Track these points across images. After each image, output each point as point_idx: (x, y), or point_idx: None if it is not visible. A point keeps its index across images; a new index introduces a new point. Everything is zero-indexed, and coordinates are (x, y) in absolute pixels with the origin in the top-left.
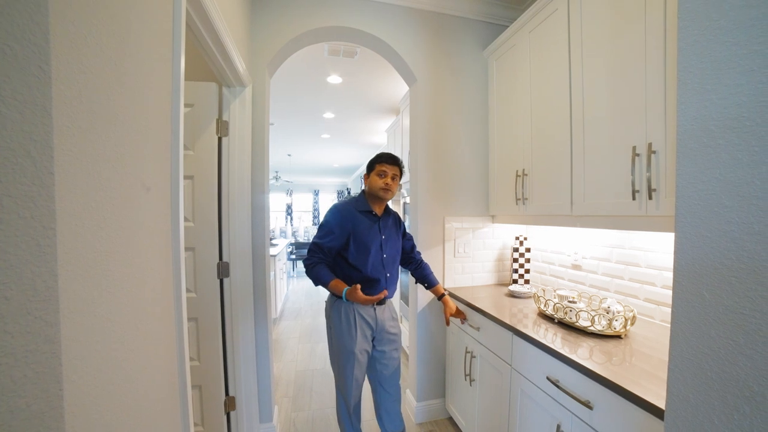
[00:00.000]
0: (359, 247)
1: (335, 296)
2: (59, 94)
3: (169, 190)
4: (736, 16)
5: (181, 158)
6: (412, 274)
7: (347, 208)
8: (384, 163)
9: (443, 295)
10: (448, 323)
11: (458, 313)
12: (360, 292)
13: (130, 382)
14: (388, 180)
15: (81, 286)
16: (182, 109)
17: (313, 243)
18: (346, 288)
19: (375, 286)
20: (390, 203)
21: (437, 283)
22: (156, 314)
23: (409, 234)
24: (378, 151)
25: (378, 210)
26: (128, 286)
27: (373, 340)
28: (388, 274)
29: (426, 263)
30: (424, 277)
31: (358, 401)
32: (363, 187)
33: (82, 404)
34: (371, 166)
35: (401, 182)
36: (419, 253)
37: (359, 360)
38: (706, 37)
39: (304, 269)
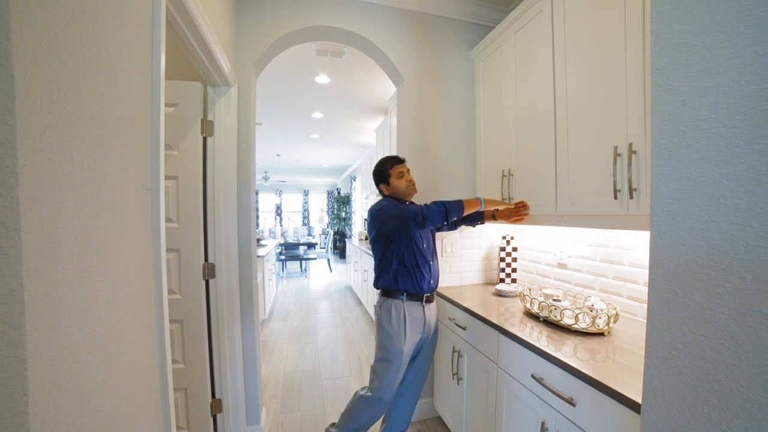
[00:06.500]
0: (404, 238)
1: (418, 289)
2: (25, 93)
3: (149, 190)
4: (703, 21)
5: (162, 158)
6: (467, 225)
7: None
8: (396, 165)
9: (492, 214)
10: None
11: (517, 210)
12: (494, 200)
13: (106, 386)
14: (410, 177)
15: (51, 288)
16: (162, 109)
17: (407, 209)
18: (479, 197)
19: (421, 276)
20: None
21: (480, 212)
22: (136, 316)
23: None
24: (368, 152)
25: None
26: (105, 288)
27: (420, 340)
28: (431, 262)
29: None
30: (472, 217)
31: (385, 409)
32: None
33: (52, 409)
34: (385, 174)
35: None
36: None
37: (404, 361)
38: (676, 40)
39: (431, 215)
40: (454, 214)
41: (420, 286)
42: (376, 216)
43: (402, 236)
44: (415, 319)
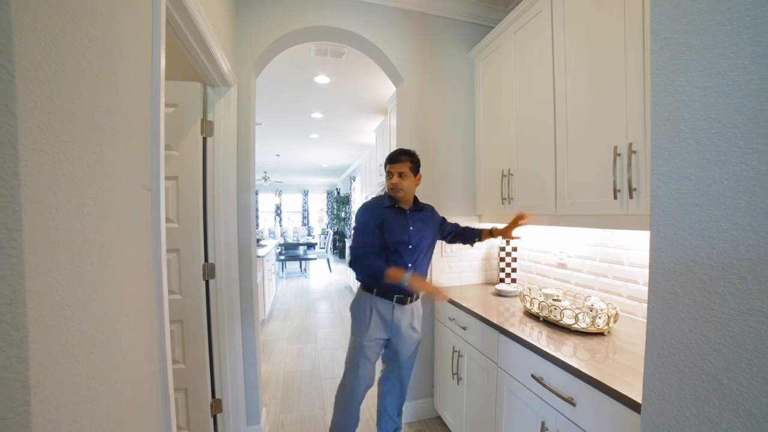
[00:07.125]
0: (389, 234)
1: (388, 287)
2: (26, 93)
3: (150, 190)
4: (702, 21)
5: (162, 158)
6: (464, 243)
7: (374, 204)
8: (388, 164)
9: (490, 231)
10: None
11: (515, 223)
12: (423, 281)
13: (108, 386)
14: (395, 179)
15: (53, 289)
16: (162, 109)
17: (356, 241)
18: (407, 274)
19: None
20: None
21: (479, 231)
22: (136, 316)
23: (450, 223)
24: (367, 152)
25: (404, 205)
26: (106, 288)
27: (389, 340)
28: (409, 264)
29: (464, 226)
30: (471, 235)
31: (358, 399)
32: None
33: (53, 409)
34: (385, 168)
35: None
36: (458, 224)
37: (367, 354)
38: (676, 40)
39: (351, 266)
40: (373, 279)
41: (389, 284)
42: (356, 215)
43: (382, 234)
44: (381, 316)
